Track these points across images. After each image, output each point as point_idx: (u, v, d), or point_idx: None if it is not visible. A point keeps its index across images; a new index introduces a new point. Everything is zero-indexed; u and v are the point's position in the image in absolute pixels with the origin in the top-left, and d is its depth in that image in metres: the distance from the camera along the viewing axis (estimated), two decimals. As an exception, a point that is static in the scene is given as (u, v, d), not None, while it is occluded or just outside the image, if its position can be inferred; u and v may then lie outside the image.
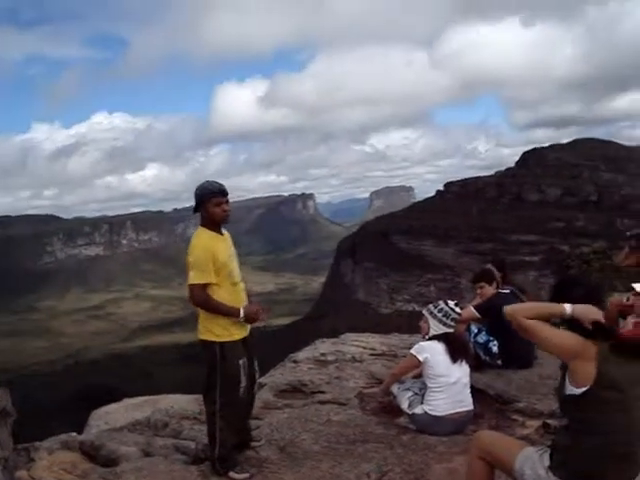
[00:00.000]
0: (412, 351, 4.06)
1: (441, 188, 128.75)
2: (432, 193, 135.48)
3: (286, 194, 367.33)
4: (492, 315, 4.62)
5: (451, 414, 3.87)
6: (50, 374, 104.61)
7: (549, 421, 3.81)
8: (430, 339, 4.07)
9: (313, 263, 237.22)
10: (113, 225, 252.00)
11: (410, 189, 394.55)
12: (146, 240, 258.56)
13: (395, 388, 4.21)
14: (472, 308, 4.96)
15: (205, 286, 3.34)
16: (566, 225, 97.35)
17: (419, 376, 4.16)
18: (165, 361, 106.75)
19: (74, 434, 4.75)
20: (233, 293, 3.46)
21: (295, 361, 6.28)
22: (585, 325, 2.26)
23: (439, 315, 4.08)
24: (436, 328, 4.07)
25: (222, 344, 3.39)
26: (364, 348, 6.58)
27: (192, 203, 3.46)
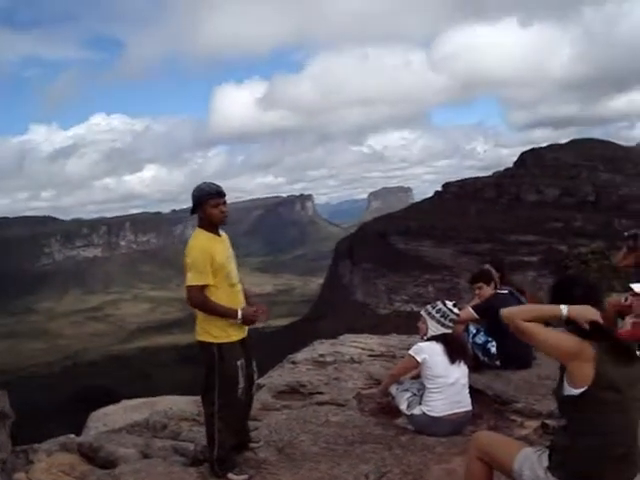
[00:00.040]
0: (410, 352, 4.05)
1: (439, 189, 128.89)
2: (430, 194, 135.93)
3: (284, 195, 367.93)
4: (490, 316, 4.62)
5: (449, 415, 3.87)
6: (48, 376, 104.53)
7: (548, 422, 3.80)
8: (428, 340, 4.07)
9: (311, 264, 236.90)
10: (111, 226, 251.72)
11: (408, 190, 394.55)
12: (144, 241, 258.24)
13: (393, 389, 4.21)
14: (470, 309, 4.96)
15: (203, 287, 3.34)
16: (564, 225, 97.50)
17: (417, 377, 4.16)
18: (163, 362, 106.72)
19: (72, 436, 4.75)
20: (231, 294, 3.46)
21: (293, 362, 6.28)
22: (582, 326, 2.26)
23: (437, 316, 4.08)
24: (434, 329, 4.07)
25: (220, 345, 3.39)
26: (362, 349, 6.58)
27: (190, 204, 3.46)
